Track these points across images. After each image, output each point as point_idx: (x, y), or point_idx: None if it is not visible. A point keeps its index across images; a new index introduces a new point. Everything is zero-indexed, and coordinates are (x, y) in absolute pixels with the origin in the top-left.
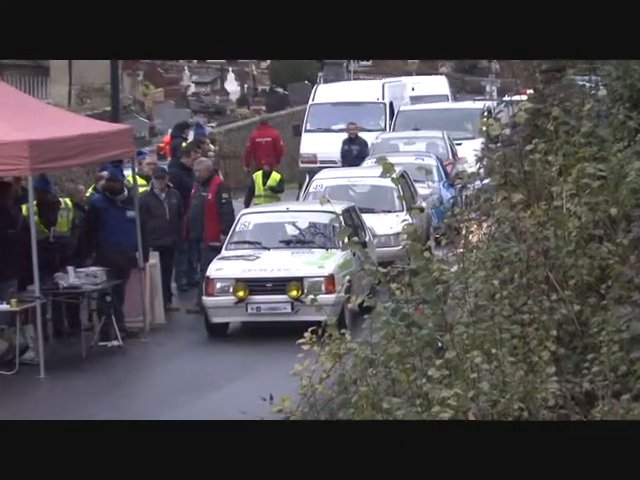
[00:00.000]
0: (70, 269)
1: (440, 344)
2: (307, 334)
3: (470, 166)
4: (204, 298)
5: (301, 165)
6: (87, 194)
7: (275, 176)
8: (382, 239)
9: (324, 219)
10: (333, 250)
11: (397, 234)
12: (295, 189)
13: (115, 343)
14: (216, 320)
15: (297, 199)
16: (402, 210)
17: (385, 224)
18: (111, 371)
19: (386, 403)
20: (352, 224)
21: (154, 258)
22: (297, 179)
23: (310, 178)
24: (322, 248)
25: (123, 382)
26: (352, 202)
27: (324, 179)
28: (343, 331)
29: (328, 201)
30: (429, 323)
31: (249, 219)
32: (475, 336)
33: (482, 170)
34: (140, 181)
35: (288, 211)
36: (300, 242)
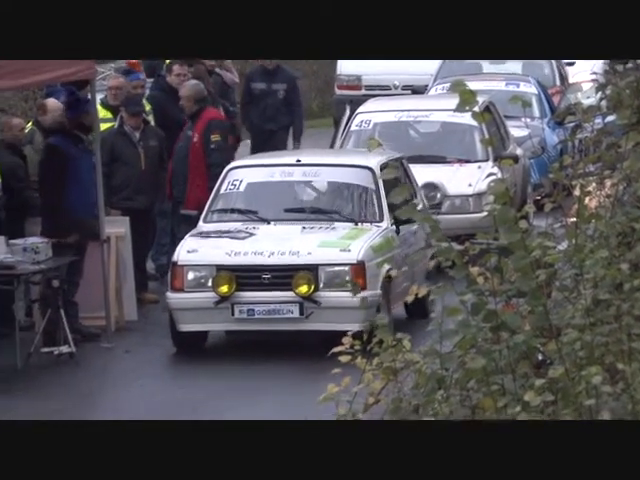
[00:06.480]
0: (0, 240)
1: (542, 356)
2: (346, 339)
3: (587, 96)
4: (169, 294)
5: (338, 92)
6: (26, 131)
7: None
8: (457, 202)
9: (353, 177)
10: (366, 225)
11: (479, 195)
12: (329, 127)
13: (65, 349)
14: (186, 328)
15: (333, 141)
16: (487, 160)
17: (462, 180)
18: (56, 393)
19: None
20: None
21: (122, 226)
22: (332, 112)
23: (352, 111)
24: (349, 221)
25: (72, 409)
26: (404, 151)
27: (372, 112)
28: (400, 336)
29: (380, 144)
30: (526, 326)
31: (239, 176)
32: (593, 345)
33: (605, 102)
34: (103, 113)
35: (299, 164)
36: (317, 212)
